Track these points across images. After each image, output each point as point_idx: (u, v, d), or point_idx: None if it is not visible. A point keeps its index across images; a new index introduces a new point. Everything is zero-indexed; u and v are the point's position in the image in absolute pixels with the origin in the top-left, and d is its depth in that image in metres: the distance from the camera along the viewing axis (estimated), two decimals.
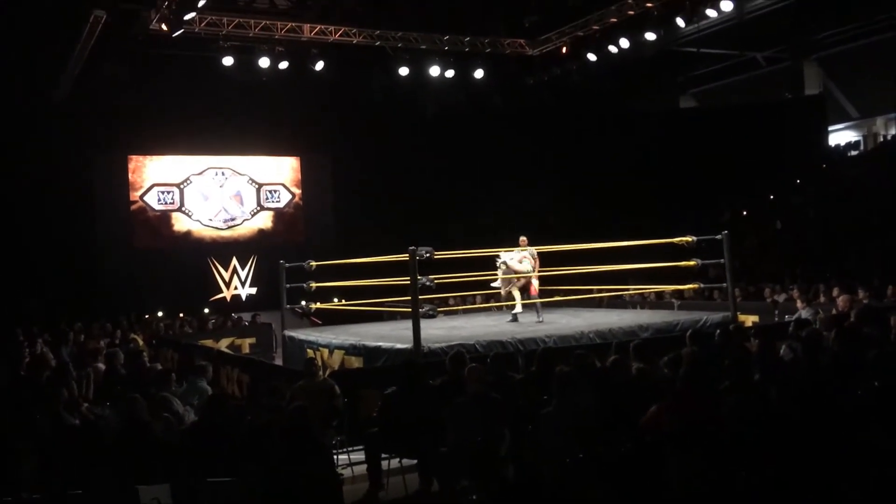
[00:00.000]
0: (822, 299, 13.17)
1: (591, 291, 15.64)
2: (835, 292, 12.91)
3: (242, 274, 21.30)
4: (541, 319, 12.04)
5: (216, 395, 6.81)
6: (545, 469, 5.28)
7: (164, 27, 14.76)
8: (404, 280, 10.34)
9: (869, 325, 7.82)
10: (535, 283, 12.27)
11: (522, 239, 12.26)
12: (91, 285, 18.56)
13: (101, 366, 9.47)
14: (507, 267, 12.03)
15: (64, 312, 15.94)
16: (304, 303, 13.52)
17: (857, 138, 28.71)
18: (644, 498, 4.67)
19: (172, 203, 20.73)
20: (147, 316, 17.57)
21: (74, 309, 16.39)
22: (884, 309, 10.01)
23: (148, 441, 5.60)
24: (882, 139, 27.46)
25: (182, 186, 20.84)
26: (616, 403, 5.85)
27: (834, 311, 10.64)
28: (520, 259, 12.06)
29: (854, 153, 27.35)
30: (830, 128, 27.67)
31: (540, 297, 12.47)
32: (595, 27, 17.80)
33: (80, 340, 13.95)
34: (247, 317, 17.70)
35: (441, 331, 11.31)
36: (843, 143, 28.46)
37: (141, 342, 14.20)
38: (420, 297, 10.08)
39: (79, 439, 6.48)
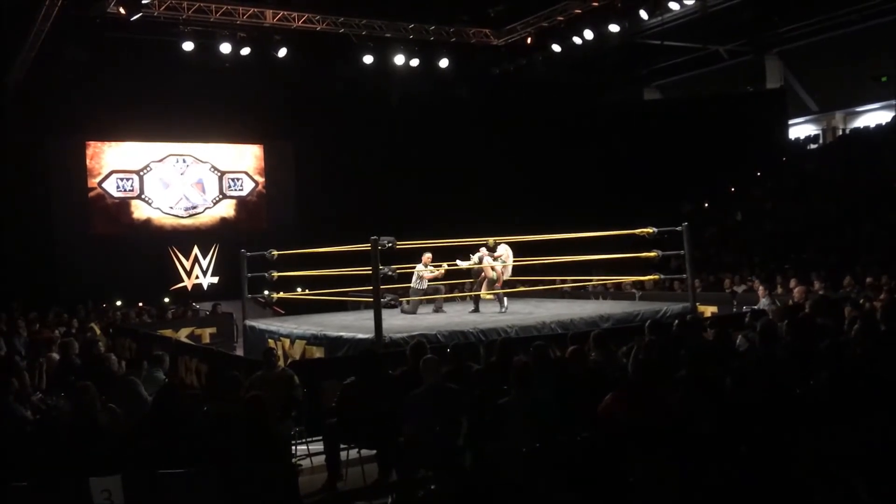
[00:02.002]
0: (779, 290, 13.37)
1: (554, 282, 15.74)
2: (791, 283, 13.11)
3: (204, 263, 21.04)
4: (504, 309, 12.07)
5: (167, 384, 6.71)
6: (503, 459, 5.29)
7: (121, 10, 14.50)
8: (367, 270, 10.28)
9: (823, 315, 7.95)
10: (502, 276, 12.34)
11: (427, 256, 12.32)
12: (47, 273, 18.20)
13: (55, 355, 9.29)
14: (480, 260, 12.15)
15: (18, 301, 15.60)
16: (266, 292, 13.41)
17: (816, 132, 29.18)
18: (600, 488, 4.70)
19: (132, 190, 20.39)
20: (105, 305, 17.27)
21: (29, 297, 16.05)
22: (838, 300, 10.20)
23: (98, 432, 5.50)
24: (841, 133, 27.94)
25: (142, 173, 20.50)
26: (574, 393, 5.87)
27: (790, 302, 10.81)
28: (495, 257, 12.13)
29: (813, 146, 27.79)
30: (790, 121, 28.07)
31: (504, 288, 12.50)
32: (560, 18, 17.86)
33: (34, 329, 13.67)
34: (207, 306, 17.50)
35: (403, 321, 11.29)
36: (802, 137, 28.90)
37: (98, 331, 13.97)
38: (382, 286, 10.04)
39: (29, 430, 6.37)
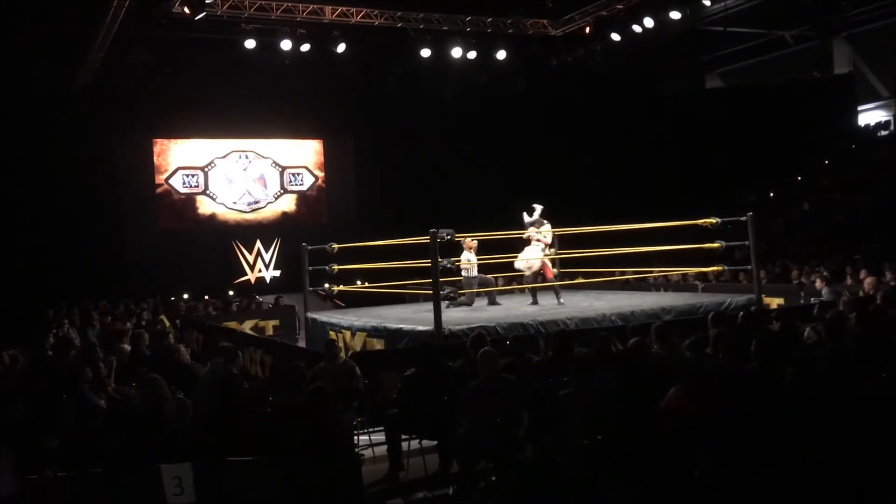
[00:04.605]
0: (848, 281, 13.00)
1: (614, 274, 15.57)
2: (862, 274, 12.73)
3: (266, 256, 21.44)
4: (562, 302, 12.00)
5: (229, 376, 6.87)
6: (563, 452, 5.28)
7: (186, 10, 14.83)
8: (426, 262, 10.34)
9: (895, 307, 7.71)
10: (549, 265, 12.26)
11: (470, 242, 12.01)
12: (117, 267, 18.78)
13: (127, 347, 9.59)
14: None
15: (90, 295, 16.13)
16: (326, 285, 13.59)
17: (887, 118, 28.13)
18: (662, 483, 4.65)
19: (197, 186, 20.89)
20: (172, 298, 17.74)
21: (100, 291, 16.59)
22: None
23: (167, 421, 5.67)
24: None
25: (206, 170, 20.97)
26: (636, 386, 5.82)
27: (861, 294, 10.50)
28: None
29: (884, 133, 26.82)
30: (860, 108, 27.14)
31: (562, 280, 12.44)
32: (619, 6, 17.60)
33: (105, 322, 14.13)
34: (270, 299, 17.83)
35: (463, 313, 11.32)
36: (872, 124, 27.92)
37: (168, 324, 14.37)
38: (441, 279, 10.09)
39: (104, 419, 6.61)
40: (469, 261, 11.99)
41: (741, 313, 8.58)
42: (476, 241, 12.16)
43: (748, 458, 4.41)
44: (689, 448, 4.62)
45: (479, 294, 12.42)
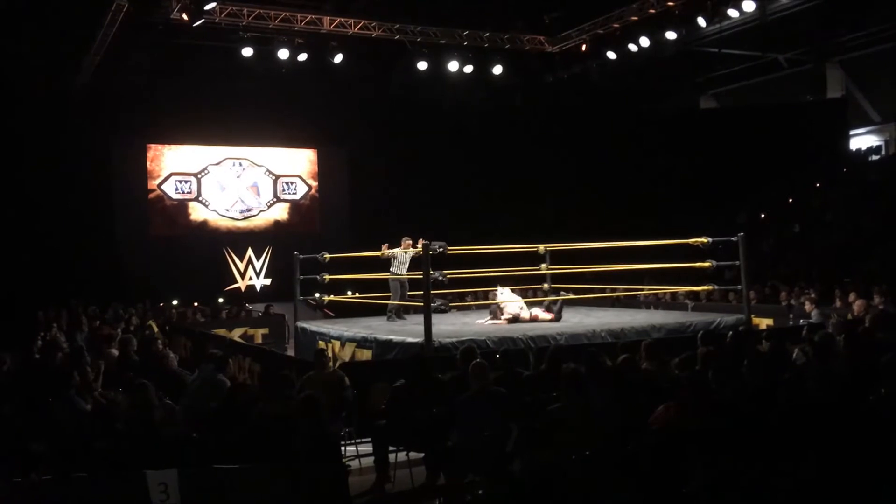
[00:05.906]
0: (837, 304, 13.06)
1: (605, 291, 15.61)
2: (851, 297, 12.79)
3: (257, 265, 21.39)
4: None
5: (237, 384, 6.85)
6: (552, 466, 5.27)
7: (184, 17, 14.87)
8: (417, 274, 10.34)
9: (884, 330, 7.75)
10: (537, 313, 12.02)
11: (407, 241, 11.86)
12: (107, 272, 18.66)
13: (115, 352, 9.54)
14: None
15: (79, 298, 16.05)
16: (317, 295, 13.56)
17: (878, 143, 28.36)
18: (652, 496, 4.65)
19: (190, 192, 20.85)
20: (162, 304, 17.67)
21: (90, 295, 16.51)
22: None
23: (155, 427, 5.65)
24: None
25: (199, 176, 20.95)
26: (625, 402, 5.83)
27: (850, 316, 10.56)
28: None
29: (875, 158, 27.03)
30: (852, 132, 27.36)
31: (553, 296, 12.45)
32: (616, 25, 17.74)
33: (94, 326, 14.06)
34: (260, 307, 17.78)
35: (453, 326, 11.31)
36: (864, 148, 28.14)
37: (156, 329, 14.30)
38: (433, 291, 10.09)
39: (90, 423, 6.56)
40: (396, 257, 11.84)
41: (730, 333, 8.61)
42: (412, 244, 11.90)
43: (740, 471, 4.41)
44: (679, 461, 4.62)
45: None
